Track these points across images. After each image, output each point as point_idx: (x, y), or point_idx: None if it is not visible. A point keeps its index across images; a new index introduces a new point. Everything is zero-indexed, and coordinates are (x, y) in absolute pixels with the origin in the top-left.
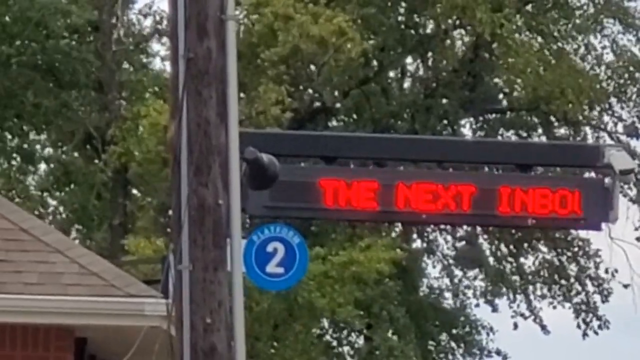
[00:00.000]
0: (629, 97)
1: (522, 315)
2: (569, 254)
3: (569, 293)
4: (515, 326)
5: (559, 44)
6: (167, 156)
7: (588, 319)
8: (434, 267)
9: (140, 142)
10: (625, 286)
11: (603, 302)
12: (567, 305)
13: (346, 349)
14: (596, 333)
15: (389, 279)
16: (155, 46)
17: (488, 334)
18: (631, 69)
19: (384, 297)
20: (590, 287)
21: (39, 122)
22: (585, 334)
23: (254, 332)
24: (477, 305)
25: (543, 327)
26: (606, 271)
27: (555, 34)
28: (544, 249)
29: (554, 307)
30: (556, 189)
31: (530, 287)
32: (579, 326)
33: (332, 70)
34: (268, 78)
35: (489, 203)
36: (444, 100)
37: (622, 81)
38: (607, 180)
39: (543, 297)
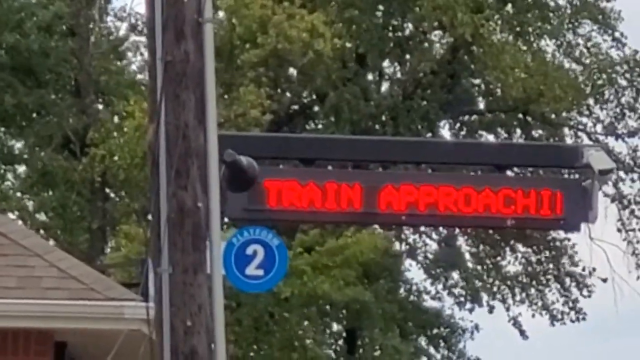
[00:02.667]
0: (607, 99)
1: (500, 317)
2: (547, 254)
3: (546, 293)
4: (496, 332)
5: (537, 44)
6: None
7: (565, 310)
8: (418, 267)
9: (123, 147)
10: (604, 280)
11: (584, 297)
12: (544, 312)
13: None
14: (572, 322)
15: (367, 280)
16: (130, 54)
17: (472, 333)
18: (608, 70)
19: (375, 297)
20: (568, 284)
21: (17, 124)
22: (562, 322)
23: (235, 335)
24: (460, 303)
25: (522, 332)
26: (583, 269)
27: (533, 36)
28: (523, 249)
29: (533, 316)
30: (535, 190)
31: (509, 292)
32: (557, 320)
33: (312, 68)
34: (248, 80)
35: (469, 204)
36: (423, 102)
37: (599, 82)
38: (586, 180)
39: (522, 302)
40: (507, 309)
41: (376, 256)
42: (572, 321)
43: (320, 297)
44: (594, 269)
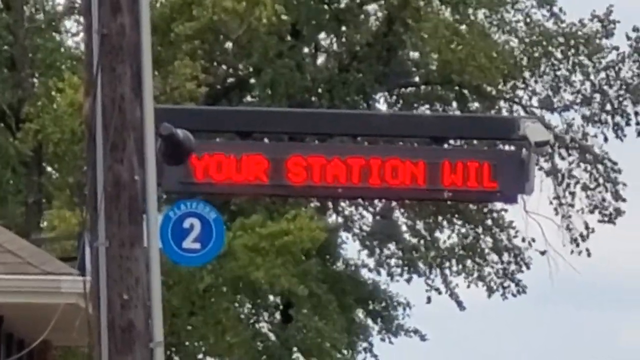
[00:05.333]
0: (543, 71)
1: (437, 289)
2: (484, 227)
3: (484, 266)
4: (429, 300)
5: (472, 17)
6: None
7: (505, 284)
8: (353, 241)
9: (56, 121)
10: (542, 253)
11: (522, 271)
12: (481, 283)
13: (265, 325)
14: (514, 296)
15: (307, 256)
16: (67, 23)
17: (404, 309)
18: (544, 43)
19: (305, 275)
20: (506, 258)
21: None
22: (504, 296)
23: (171, 308)
24: (394, 279)
25: (459, 303)
26: (523, 240)
27: (470, 7)
28: (459, 222)
29: (468, 286)
30: (472, 162)
31: (447, 263)
32: (494, 291)
33: (248, 40)
34: (183, 53)
35: (406, 176)
36: (359, 75)
37: (536, 55)
38: (522, 152)
39: (458, 273)
40: (444, 280)
41: (314, 246)
42: (514, 295)
43: (252, 282)
44: (533, 240)
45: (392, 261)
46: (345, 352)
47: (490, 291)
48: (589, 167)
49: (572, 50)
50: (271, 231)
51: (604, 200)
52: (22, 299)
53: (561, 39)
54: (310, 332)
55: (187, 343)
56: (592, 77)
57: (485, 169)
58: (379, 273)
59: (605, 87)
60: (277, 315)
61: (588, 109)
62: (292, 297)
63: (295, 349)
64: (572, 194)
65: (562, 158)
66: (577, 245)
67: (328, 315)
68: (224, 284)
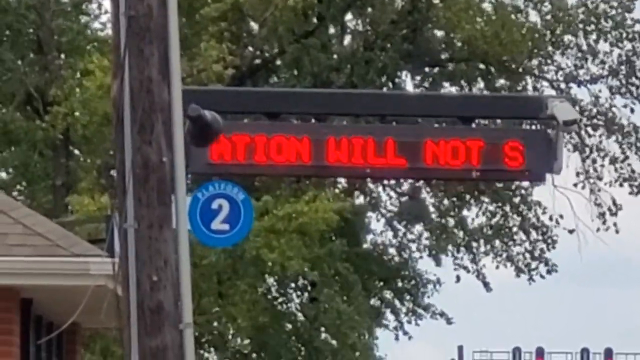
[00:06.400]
0: (567, 46)
1: (465, 268)
2: (511, 205)
3: (512, 244)
4: (458, 279)
5: None
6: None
7: (534, 266)
8: (377, 221)
9: (85, 104)
10: (571, 231)
11: (549, 249)
12: (509, 264)
13: (292, 305)
14: (542, 277)
15: (334, 236)
16: (93, 5)
17: (435, 286)
18: (567, 17)
19: (330, 255)
20: (534, 236)
21: None
22: (531, 279)
23: (199, 289)
24: (421, 257)
25: (486, 284)
26: (550, 218)
27: None
28: (487, 200)
29: (497, 267)
30: (500, 141)
31: (474, 244)
32: (522, 272)
33: (275, 22)
34: (209, 35)
35: (433, 156)
36: (383, 54)
37: (559, 31)
38: (550, 131)
39: (486, 253)
40: (472, 261)
41: (329, 228)
42: (542, 277)
43: (265, 262)
44: (561, 216)
45: (422, 239)
46: (364, 335)
47: (519, 271)
48: (619, 138)
49: (595, 22)
50: (286, 212)
51: (633, 172)
52: (51, 282)
53: (582, 13)
54: (332, 313)
55: (215, 323)
56: (617, 45)
57: (514, 149)
58: (409, 248)
59: (633, 58)
60: (306, 296)
61: (616, 80)
62: (320, 277)
63: (322, 328)
64: (602, 166)
65: (590, 133)
66: (604, 222)
67: (353, 297)
68: (244, 264)
